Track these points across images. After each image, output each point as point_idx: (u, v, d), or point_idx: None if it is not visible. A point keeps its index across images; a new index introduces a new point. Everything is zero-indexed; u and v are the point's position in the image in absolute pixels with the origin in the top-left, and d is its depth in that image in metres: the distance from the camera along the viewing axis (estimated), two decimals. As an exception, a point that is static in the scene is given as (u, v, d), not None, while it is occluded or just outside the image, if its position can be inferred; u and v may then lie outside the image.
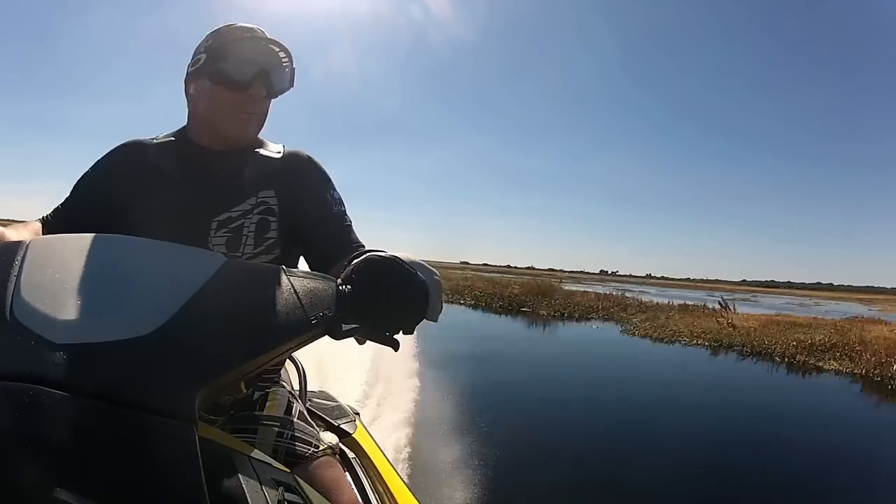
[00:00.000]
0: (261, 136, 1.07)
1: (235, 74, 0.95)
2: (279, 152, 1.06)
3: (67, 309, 0.47)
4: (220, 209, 0.99)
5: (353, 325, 0.61)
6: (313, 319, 0.56)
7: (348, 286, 0.61)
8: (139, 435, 0.42)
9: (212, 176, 1.00)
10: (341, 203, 1.06)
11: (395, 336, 0.64)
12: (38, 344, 0.44)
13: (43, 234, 0.96)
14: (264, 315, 0.54)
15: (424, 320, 0.64)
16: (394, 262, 0.62)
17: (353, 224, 1.05)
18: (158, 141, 1.04)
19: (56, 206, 1.05)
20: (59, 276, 0.51)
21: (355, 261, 0.65)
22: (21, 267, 0.51)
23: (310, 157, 1.07)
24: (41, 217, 1.03)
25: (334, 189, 1.07)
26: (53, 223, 1.01)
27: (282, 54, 0.98)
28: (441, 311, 0.64)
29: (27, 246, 0.54)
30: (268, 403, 1.03)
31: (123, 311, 0.49)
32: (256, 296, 0.56)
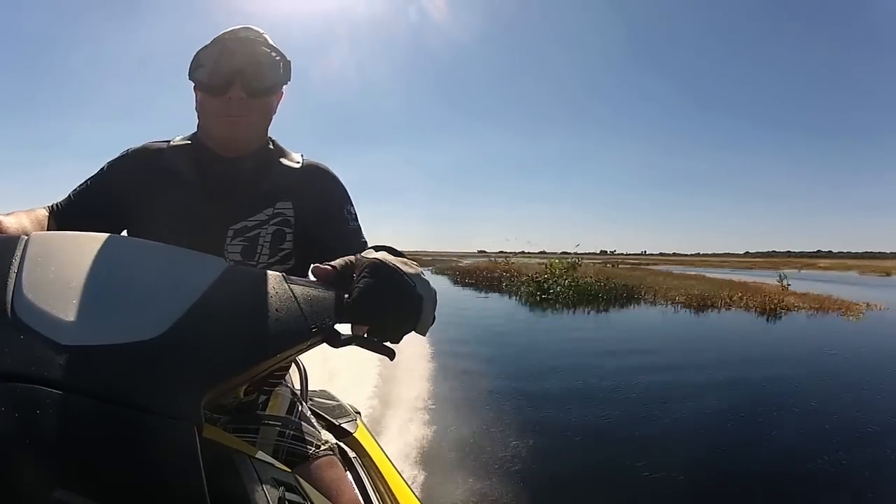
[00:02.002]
0: (280, 142, 1.06)
1: (210, 79, 0.94)
2: (298, 162, 1.04)
3: (72, 309, 0.47)
4: (237, 218, 0.97)
5: (351, 334, 0.62)
6: (314, 327, 0.57)
7: (347, 295, 0.61)
8: (142, 436, 0.42)
9: (228, 183, 0.98)
10: (357, 219, 1.05)
11: (386, 344, 0.64)
12: (43, 344, 0.44)
13: (49, 223, 0.94)
14: (267, 322, 0.55)
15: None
16: (394, 271, 0.62)
17: (367, 241, 1.02)
18: (174, 144, 1.02)
19: (68, 194, 1.01)
20: (61, 274, 0.50)
21: (355, 270, 0.64)
22: (21, 263, 0.50)
23: (329, 171, 1.06)
24: (50, 205, 0.99)
25: (351, 205, 1.05)
26: (62, 215, 0.98)
27: (265, 50, 0.95)
28: (432, 325, 0.63)
29: (27, 241, 0.53)
30: (270, 403, 1.04)
31: (128, 313, 0.49)
32: (259, 302, 0.56)
